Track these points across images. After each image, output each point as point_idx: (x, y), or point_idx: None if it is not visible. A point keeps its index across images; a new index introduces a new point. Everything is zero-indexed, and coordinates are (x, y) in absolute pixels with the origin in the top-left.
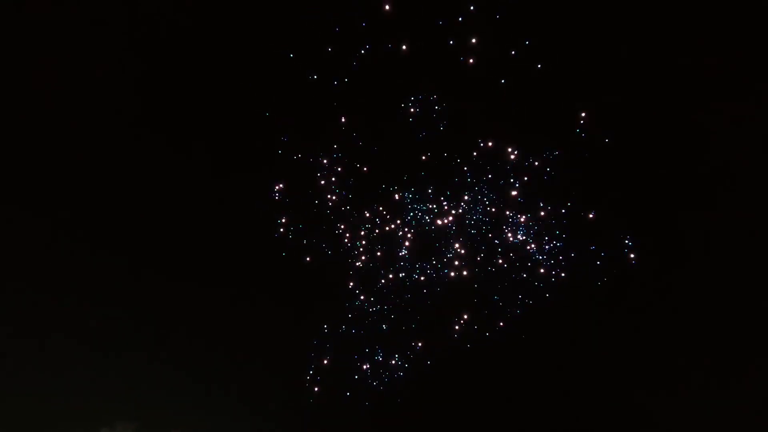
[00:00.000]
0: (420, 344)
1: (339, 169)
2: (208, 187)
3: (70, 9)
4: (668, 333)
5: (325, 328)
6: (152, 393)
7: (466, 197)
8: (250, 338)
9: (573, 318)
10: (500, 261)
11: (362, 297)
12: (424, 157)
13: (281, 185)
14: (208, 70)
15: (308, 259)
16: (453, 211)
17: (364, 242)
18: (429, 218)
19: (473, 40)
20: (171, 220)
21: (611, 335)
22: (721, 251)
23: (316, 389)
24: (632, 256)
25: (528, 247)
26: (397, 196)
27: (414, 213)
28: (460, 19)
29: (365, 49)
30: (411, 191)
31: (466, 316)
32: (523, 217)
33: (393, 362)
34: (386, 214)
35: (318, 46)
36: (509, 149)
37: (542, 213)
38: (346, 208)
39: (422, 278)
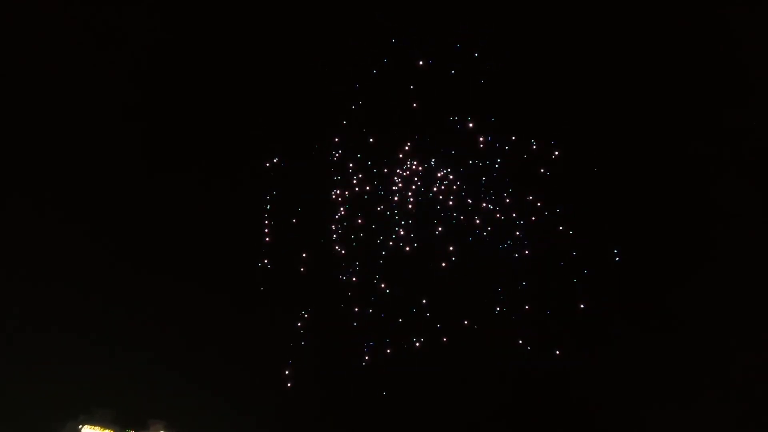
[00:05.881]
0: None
1: (333, 159)
2: (198, 187)
3: (71, 13)
4: (655, 336)
5: (307, 317)
6: (130, 382)
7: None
8: (229, 330)
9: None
10: (489, 260)
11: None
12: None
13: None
14: (201, 77)
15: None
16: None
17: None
18: (418, 209)
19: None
20: (158, 220)
21: (595, 333)
22: (708, 261)
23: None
24: (617, 260)
25: (517, 252)
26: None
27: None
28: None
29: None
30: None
31: (453, 311)
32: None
33: (383, 351)
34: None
35: (313, 52)
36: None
37: (535, 216)
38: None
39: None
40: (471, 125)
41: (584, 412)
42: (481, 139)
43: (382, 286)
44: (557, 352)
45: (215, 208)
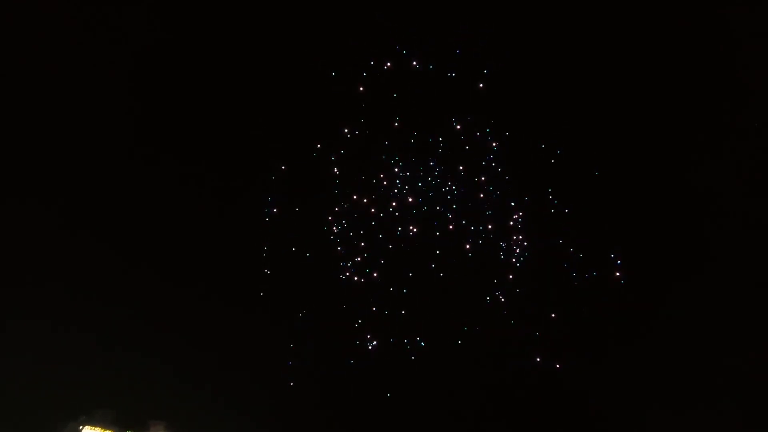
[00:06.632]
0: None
1: (333, 159)
2: (197, 188)
3: (74, 15)
4: (651, 338)
5: (306, 316)
6: (131, 383)
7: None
8: (229, 331)
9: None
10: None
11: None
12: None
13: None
14: (200, 77)
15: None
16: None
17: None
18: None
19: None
20: (159, 220)
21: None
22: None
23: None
24: (618, 264)
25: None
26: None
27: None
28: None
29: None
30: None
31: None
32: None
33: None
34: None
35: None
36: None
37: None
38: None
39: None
40: (470, 125)
41: (584, 413)
42: (480, 139)
43: (383, 285)
44: (557, 353)
45: (215, 208)
